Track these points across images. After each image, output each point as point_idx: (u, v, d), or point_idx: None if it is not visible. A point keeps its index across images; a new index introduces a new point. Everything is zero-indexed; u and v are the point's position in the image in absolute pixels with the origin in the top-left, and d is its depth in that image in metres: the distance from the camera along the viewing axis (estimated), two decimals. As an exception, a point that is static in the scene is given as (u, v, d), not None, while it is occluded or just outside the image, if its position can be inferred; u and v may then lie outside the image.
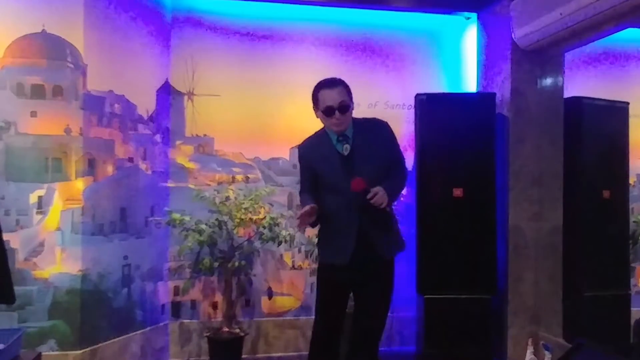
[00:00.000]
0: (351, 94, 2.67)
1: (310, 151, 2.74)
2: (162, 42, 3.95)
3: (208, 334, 3.82)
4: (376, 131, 2.71)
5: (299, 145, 2.81)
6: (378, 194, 2.50)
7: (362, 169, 2.61)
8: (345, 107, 2.59)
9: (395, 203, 3.32)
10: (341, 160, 2.64)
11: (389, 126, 2.75)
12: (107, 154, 3.48)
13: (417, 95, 3.99)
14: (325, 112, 2.60)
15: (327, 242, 2.77)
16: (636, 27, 3.62)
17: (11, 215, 3.19)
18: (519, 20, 3.62)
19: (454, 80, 4.41)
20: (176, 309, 4.02)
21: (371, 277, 2.70)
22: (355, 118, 2.70)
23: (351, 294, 2.83)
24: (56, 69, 3.28)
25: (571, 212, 3.79)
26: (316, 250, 2.90)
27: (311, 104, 2.69)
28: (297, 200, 3.11)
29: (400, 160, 2.82)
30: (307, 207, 2.54)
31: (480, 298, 3.74)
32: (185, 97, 4.09)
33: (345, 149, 2.63)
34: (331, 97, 2.59)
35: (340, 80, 2.67)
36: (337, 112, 2.57)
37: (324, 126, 2.70)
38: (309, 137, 2.78)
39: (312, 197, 2.69)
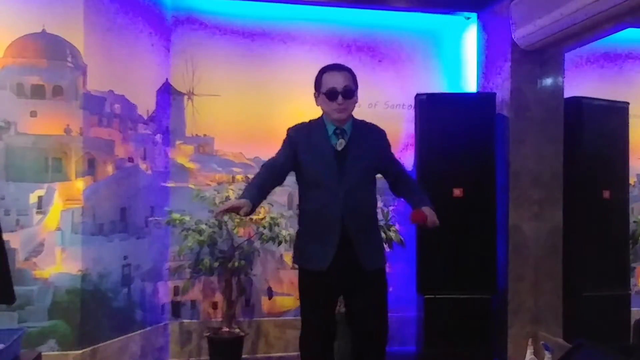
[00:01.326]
0: (357, 83, 2.56)
1: (301, 137, 2.55)
2: (162, 42, 3.95)
3: (208, 334, 3.82)
4: (374, 135, 2.62)
5: (290, 127, 2.62)
6: (433, 215, 2.46)
7: (353, 168, 2.51)
8: (350, 92, 2.48)
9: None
10: (333, 156, 2.51)
11: (386, 135, 2.67)
12: (107, 154, 3.48)
13: (417, 95, 3.99)
14: (328, 94, 2.47)
15: (305, 243, 2.58)
16: (636, 27, 3.63)
17: (11, 215, 3.19)
18: (519, 20, 3.62)
19: (454, 80, 4.41)
20: (176, 309, 4.02)
21: (361, 286, 2.53)
22: (356, 118, 2.62)
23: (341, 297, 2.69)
24: (56, 69, 3.28)
25: (571, 212, 3.79)
26: None
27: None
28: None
29: (405, 168, 2.77)
30: (241, 206, 2.26)
31: (480, 298, 3.74)
32: (185, 97, 4.09)
33: (340, 143, 2.52)
34: (336, 79, 2.48)
35: (347, 66, 2.57)
36: (340, 97, 2.45)
37: (322, 114, 2.58)
38: (303, 122, 2.62)
39: (262, 185, 2.44)
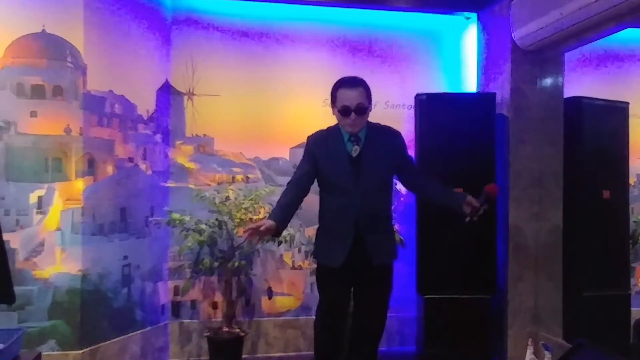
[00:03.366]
0: (371, 96, 2.68)
1: (319, 145, 2.72)
2: (162, 42, 3.95)
3: (208, 334, 3.82)
4: (388, 138, 2.73)
5: (310, 135, 2.79)
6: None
7: (368, 172, 2.64)
8: (363, 109, 2.60)
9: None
10: (349, 161, 2.64)
11: (401, 136, 2.78)
12: (107, 154, 3.48)
13: (417, 95, 3.99)
14: (341, 111, 2.60)
15: (323, 242, 2.77)
16: (636, 27, 3.63)
17: (11, 215, 3.19)
18: (519, 20, 3.62)
19: (454, 80, 4.41)
20: (176, 309, 4.02)
21: (369, 280, 2.72)
22: (370, 122, 2.71)
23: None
24: (56, 69, 3.28)
25: (571, 212, 3.79)
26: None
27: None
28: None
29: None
30: (264, 224, 2.46)
31: (480, 298, 3.74)
32: (185, 97, 4.09)
33: (355, 150, 2.65)
34: (349, 97, 2.59)
35: (361, 80, 2.67)
36: (353, 114, 2.58)
37: (338, 123, 2.71)
38: (321, 130, 2.77)
39: (286, 204, 2.62)
